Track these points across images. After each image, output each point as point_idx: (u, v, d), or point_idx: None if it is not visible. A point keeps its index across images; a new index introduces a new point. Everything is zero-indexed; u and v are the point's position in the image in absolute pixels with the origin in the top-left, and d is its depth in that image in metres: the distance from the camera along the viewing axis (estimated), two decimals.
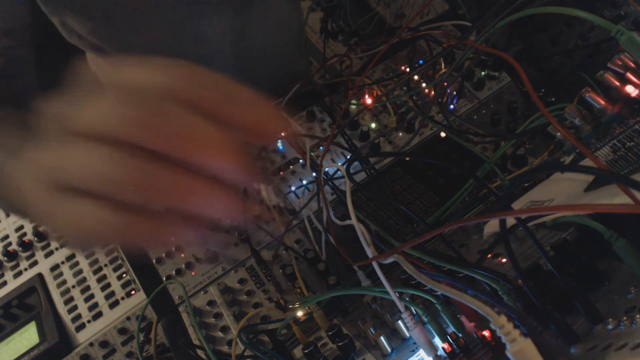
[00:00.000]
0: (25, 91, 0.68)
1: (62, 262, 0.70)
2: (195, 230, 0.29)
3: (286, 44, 0.88)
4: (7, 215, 0.78)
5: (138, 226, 0.28)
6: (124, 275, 0.67)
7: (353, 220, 0.42)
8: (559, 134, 0.48)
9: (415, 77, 0.75)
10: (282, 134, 0.30)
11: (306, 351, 0.48)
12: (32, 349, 0.62)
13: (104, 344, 0.62)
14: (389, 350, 0.47)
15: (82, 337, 0.63)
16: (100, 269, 0.68)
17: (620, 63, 0.43)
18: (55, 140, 0.29)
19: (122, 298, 0.65)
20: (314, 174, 0.67)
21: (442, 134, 0.70)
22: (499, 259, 0.50)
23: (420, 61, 0.78)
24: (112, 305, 0.65)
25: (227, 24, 0.75)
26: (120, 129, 0.27)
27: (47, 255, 0.71)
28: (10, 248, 0.72)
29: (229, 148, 0.27)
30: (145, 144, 0.27)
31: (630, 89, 0.42)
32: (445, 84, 0.68)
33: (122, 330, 0.62)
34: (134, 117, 0.27)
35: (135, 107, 0.27)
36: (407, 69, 0.77)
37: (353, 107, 0.75)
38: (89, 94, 0.29)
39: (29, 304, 0.67)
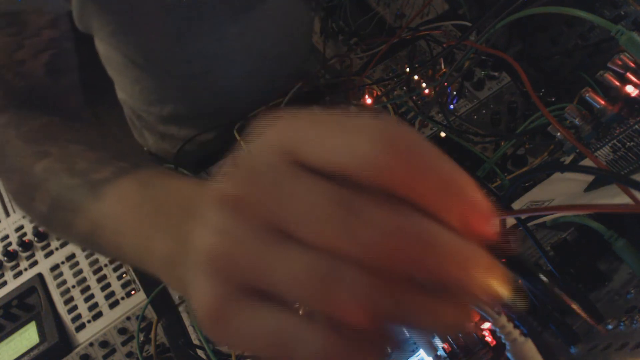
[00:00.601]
0: (69, 94, 0.61)
1: (62, 262, 0.70)
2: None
3: (300, 43, 0.88)
4: (7, 215, 0.78)
5: (348, 349, 0.22)
6: (124, 275, 0.67)
7: None
8: (559, 134, 0.49)
9: (415, 77, 0.75)
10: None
11: None
12: (32, 349, 0.62)
13: (104, 344, 0.62)
14: (389, 350, 0.47)
15: (82, 337, 0.63)
16: (100, 269, 0.68)
17: (620, 63, 0.43)
18: (236, 231, 0.22)
19: (122, 298, 0.66)
20: None
21: (442, 134, 0.70)
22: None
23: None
24: (112, 305, 0.65)
25: (246, 23, 0.75)
26: (341, 241, 0.21)
27: (47, 255, 0.71)
28: (10, 248, 0.72)
29: (482, 261, 0.21)
30: (374, 260, 0.21)
31: (630, 89, 0.42)
32: (446, 84, 0.68)
33: (122, 330, 0.62)
34: (358, 230, 0.20)
35: (359, 208, 0.21)
36: (407, 69, 0.77)
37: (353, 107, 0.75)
38: (277, 183, 0.22)
39: (29, 304, 0.67)
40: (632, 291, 0.38)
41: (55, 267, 0.69)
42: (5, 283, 0.69)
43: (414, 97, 0.72)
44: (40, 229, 0.73)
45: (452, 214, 0.22)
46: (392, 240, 0.20)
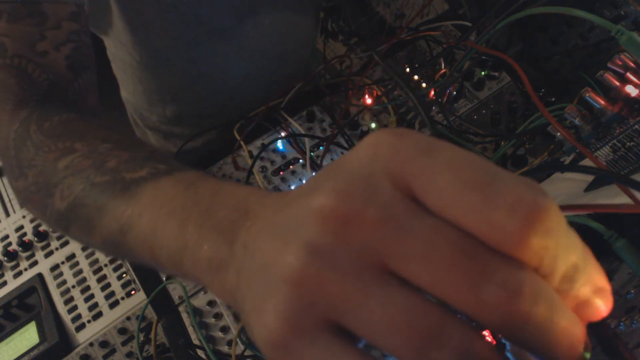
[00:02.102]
0: (88, 91, 0.58)
1: (62, 262, 0.70)
2: None
3: (303, 42, 0.88)
4: (7, 215, 0.78)
5: None
6: (124, 275, 0.67)
7: None
8: (559, 134, 0.48)
9: (415, 77, 0.75)
10: None
11: None
12: (32, 349, 0.62)
13: (104, 344, 0.62)
14: None
15: (82, 337, 0.63)
16: (100, 269, 0.68)
17: (620, 63, 0.43)
18: (336, 254, 0.20)
19: (122, 298, 0.65)
20: (314, 174, 0.67)
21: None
22: None
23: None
24: (112, 305, 0.65)
25: (248, 23, 0.76)
26: (459, 292, 0.19)
27: (47, 255, 0.71)
28: (10, 248, 0.72)
29: (584, 342, 0.21)
30: (490, 321, 0.19)
31: (630, 89, 0.42)
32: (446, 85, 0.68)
33: (122, 330, 0.62)
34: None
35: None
36: (408, 69, 0.77)
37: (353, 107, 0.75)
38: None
39: (29, 304, 0.67)
40: (632, 291, 0.38)
41: (55, 267, 0.69)
42: (5, 283, 0.69)
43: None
44: (41, 229, 0.73)
45: (576, 296, 0.21)
46: (518, 302, 0.18)
